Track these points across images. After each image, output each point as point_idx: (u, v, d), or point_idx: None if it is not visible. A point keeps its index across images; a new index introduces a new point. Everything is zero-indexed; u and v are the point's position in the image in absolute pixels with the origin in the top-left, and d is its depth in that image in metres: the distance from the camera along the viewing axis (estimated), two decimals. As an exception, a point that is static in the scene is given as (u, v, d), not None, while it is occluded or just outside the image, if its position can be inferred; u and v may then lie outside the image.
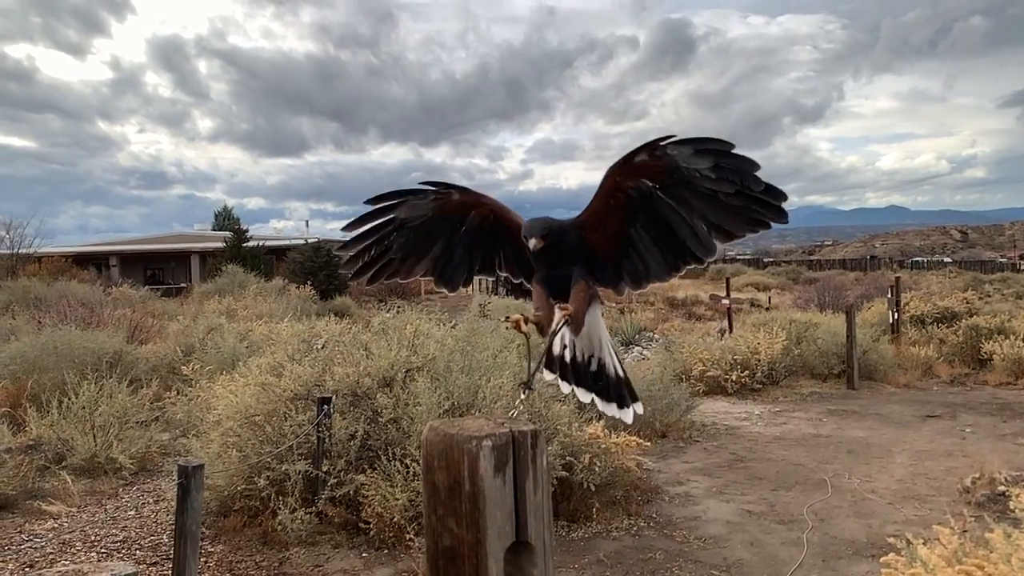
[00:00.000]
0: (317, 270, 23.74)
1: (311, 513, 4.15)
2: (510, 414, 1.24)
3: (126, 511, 4.84)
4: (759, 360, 9.17)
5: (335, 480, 4.19)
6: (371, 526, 4.08)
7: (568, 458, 4.39)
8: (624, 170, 1.46)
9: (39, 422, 5.70)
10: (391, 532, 4.04)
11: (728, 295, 12.71)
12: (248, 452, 4.33)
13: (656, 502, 4.98)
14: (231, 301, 15.22)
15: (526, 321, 1.59)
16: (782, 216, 1.38)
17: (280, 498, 4.13)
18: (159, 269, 34.82)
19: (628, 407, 1.71)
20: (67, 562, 4.00)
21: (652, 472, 5.53)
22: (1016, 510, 2.67)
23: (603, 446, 4.56)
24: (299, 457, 4.20)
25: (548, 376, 1.73)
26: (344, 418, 4.40)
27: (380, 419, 4.40)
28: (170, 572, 3.42)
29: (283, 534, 4.07)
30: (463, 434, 1.06)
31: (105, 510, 4.86)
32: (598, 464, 4.42)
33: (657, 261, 1.58)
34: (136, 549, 4.20)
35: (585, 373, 1.72)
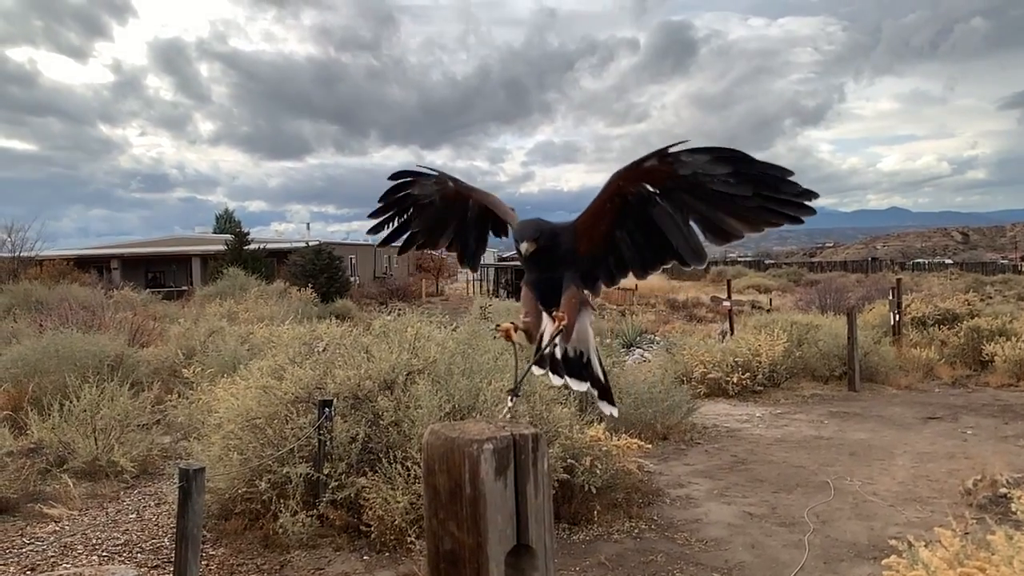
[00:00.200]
0: (318, 273, 23.76)
1: (312, 516, 4.15)
2: (499, 419, 1.25)
3: (127, 514, 4.84)
4: (760, 362, 9.15)
5: (336, 483, 4.19)
6: (372, 529, 4.08)
7: (569, 461, 4.38)
8: (629, 174, 1.46)
9: (40, 425, 5.70)
10: (392, 535, 4.04)
11: (729, 297, 12.68)
12: (249, 455, 4.33)
13: (657, 504, 4.97)
14: (232, 304, 15.22)
15: (516, 329, 1.58)
16: (811, 212, 1.36)
17: (281, 501, 4.12)
18: (160, 272, 34.82)
19: (615, 406, 1.75)
20: (68, 565, 4.00)
21: (653, 474, 5.52)
22: (1018, 512, 2.67)
23: (604, 449, 4.56)
24: (300, 460, 4.20)
25: (537, 371, 1.70)
26: (345, 421, 4.40)
27: (381, 422, 4.40)
28: (171, 575, 3.42)
29: (284, 537, 4.07)
30: (464, 437, 1.06)
31: (106, 513, 4.86)
32: (599, 467, 4.42)
33: (635, 261, 1.58)
34: (137, 552, 4.20)
35: (576, 365, 1.71)
